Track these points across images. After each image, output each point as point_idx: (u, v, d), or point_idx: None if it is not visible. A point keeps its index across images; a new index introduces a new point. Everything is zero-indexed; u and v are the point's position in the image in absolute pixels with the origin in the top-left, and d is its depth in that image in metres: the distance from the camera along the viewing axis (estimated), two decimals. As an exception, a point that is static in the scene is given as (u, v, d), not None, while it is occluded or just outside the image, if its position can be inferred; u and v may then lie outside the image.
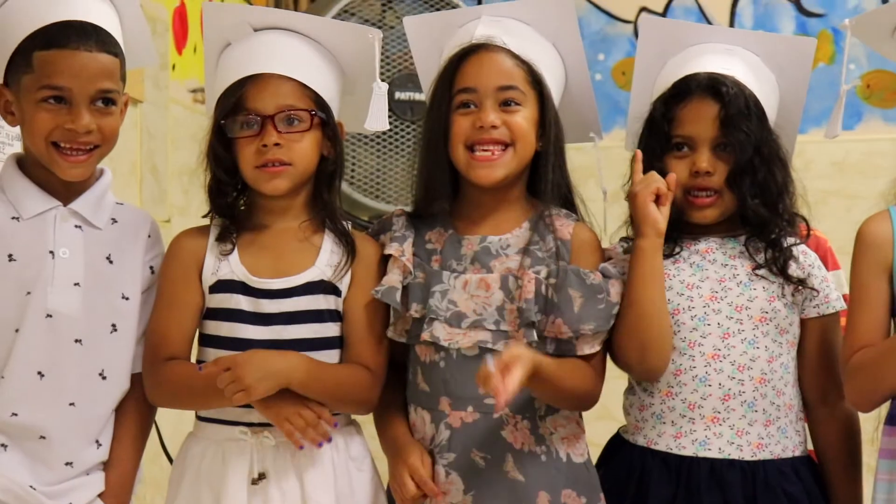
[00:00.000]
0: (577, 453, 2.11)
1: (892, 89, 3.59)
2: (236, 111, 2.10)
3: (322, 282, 2.11)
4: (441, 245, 2.14)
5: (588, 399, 2.11)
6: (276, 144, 2.08)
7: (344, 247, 2.14)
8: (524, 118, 2.10)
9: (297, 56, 2.14)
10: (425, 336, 2.08)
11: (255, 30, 2.17)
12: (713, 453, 2.10)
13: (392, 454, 2.11)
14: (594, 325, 2.08)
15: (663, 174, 2.13)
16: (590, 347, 2.09)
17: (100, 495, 2.09)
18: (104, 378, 2.08)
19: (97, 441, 2.09)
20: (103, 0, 2.09)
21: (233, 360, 2.00)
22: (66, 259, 2.05)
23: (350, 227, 2.18)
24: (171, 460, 2.23)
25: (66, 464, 2.04)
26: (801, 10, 3.81)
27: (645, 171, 2.14)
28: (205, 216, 2.19)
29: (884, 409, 2.09)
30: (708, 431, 2.11)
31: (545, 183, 2.13)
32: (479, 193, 2.14)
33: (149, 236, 2.17)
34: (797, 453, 2.14)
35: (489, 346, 2.06)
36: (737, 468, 2.09)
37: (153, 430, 2.22)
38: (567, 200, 2.18)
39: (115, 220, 2.14)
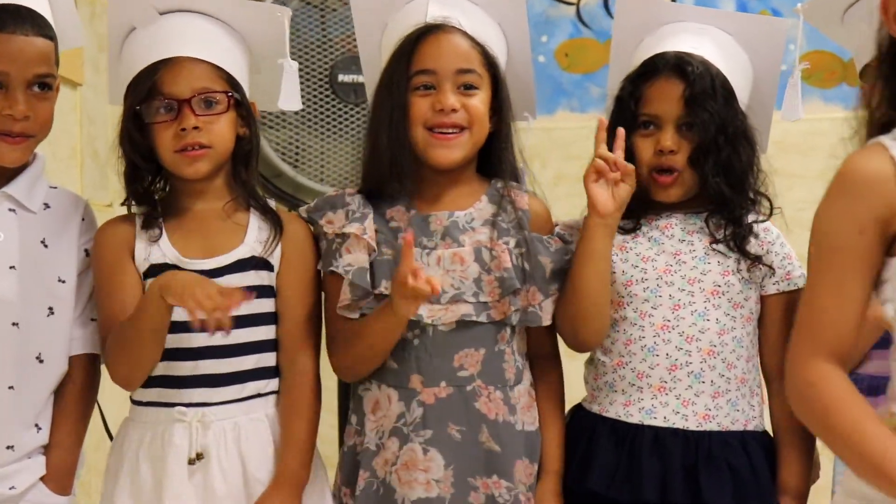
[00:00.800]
0: (530, 421, 2.16)
1: (830, 69, 3.63)
2: (151, 96, 2.10)
3: (253, 258, 2.12)
4: (405, 223, 2.15)
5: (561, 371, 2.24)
6: (195, 128, 2.08)
7: (270, 223, 2.15)
8: (481, 101, 2.13)
9: (207, 38, 2.14)
10: None
11: (161, 13, 2.16)
12: (658, 422, 2.13)
13: (383, 311, 2.07)
14: (559, 283, 2.14)
15: (630, 153, 2.15)
16: (548, 318, 2.15)
17: (42, 479, 2.08)
18: (41, 361, 2.07)
19: (36, 425, 2.08)
20: None
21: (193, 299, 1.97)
22: (1, 242, 2.04)
23: (275, 204, 2.20)
24: (110, 436, 2.22)
25: (8, 447, 2.04)
26: (741, -10, 3.85)
27: (611, 149, 2.15)
28: (123, 203, 2.18)
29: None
30: (654, 400, 2.14)
31: (500, 162, 2.17)
32: (434, 174, 2.16)
33: (83, 219, 2.17)
34: (749, 427, 2.17)
35: (473, 318, 2.10)
36: (679, 437, 2.12)
37: (97, 415, 2.21)
38: (515, 177, 2.21)
39: (47, 205, 2.13)
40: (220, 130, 2.11)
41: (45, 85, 2.05)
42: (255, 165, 2.19)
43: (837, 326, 1.47)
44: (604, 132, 2.13)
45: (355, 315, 2.13)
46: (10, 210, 2.07)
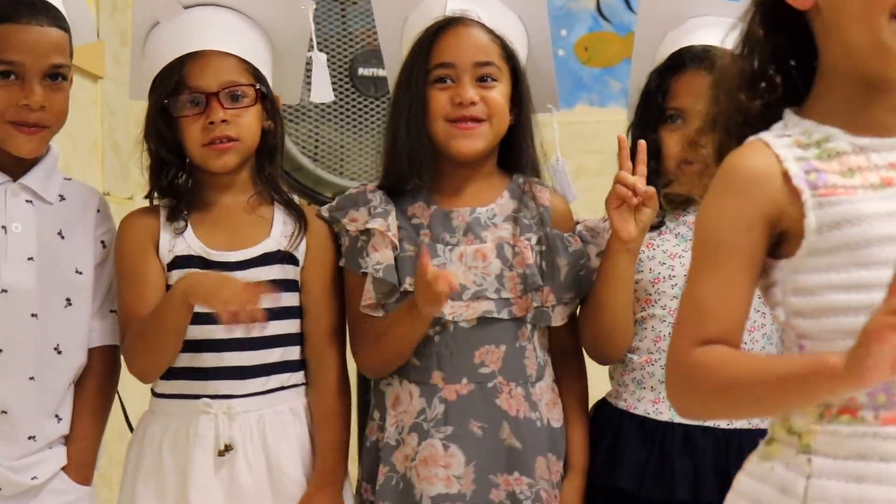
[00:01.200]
0: (555, 418, 2.15)
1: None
2: (179, 90, 2.10)
3: (279, 252, 2.12)
4: (427, 220, 2.14)
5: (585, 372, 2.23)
6: (223, 121, 2.08)
7: (295, 217, 2.15)
8: (500, 94, 2.12)
9: (232, 31, 2.14)
10: None
11: (185, 7, 2.16)
12: (688, 419, 2.11)
13: (408, 309, 2.06)
14: (573, 293, 2.13)
15: (657, 147, 2.15)
16: (561, 319, 2.13)
17: (63, 469, 2.09)
18: (60, 353, 2.08)
19: (57, 415, 2.09)
20: None
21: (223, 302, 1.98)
22: (19, 234, 2.05)
23: (297, 199, 2.20)
24: (130, 427, 2.23)
25: (29, 438, 2.04)
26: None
27: (637, 143, 2.14)
28: (146, 197, 2.18)
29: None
30: None
31: (521, 155, 2.16)
32: (455, 168, 2.15)
33: (98, 211, 2.17)
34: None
35: (494, 315, 2.09)
36: (710, 435, 2.11)
37: (119, 407, 2.22)
38: (536, 171, 2.20)
39: (63, 197, 2.13)
40: (248, 123, 2.11)
41: (59, 75, 2.06)
42: (279, 160, 2.19)
43: (721, 322, 1.44)
44: (626, 150, 2.10)
45: (379, 314, 2.13)
46: (27, 201, 2.08)
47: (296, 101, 2.26)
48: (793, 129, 1.47)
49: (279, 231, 2.14)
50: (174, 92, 2.10)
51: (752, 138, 1.47)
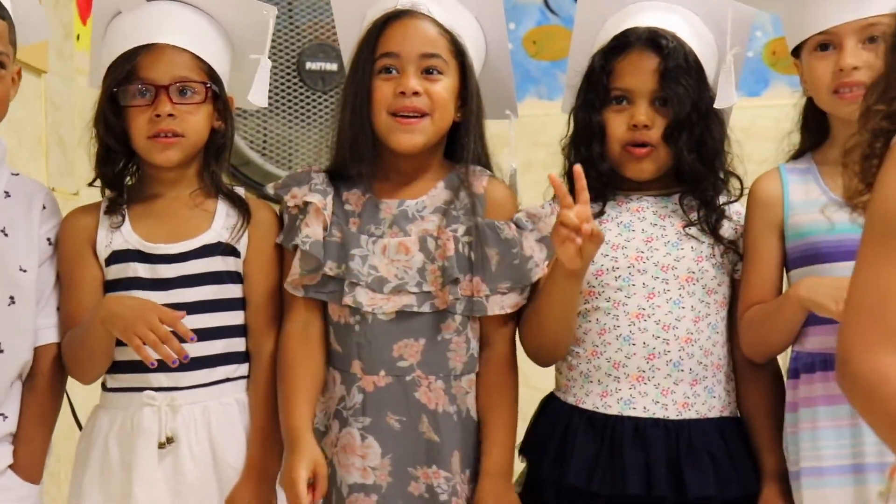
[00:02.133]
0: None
1: (797, 56, 3.65)
2: (129, 80, 2.09)
3: (219, 244, 2.12)
4: (359, 208, 2.14)
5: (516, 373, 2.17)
6: (170, 115, 2.08)
7: (238, 210, 2.15)
8: (445, 87, 2.10)
9: (191, 27, 2.14)
10: (347, 301, 2.09)
11: (148, 0, 2.15)
12: (638, 412, 2.11)
13: (289, 442, 2.08)
14: (509, 282, 2.10)
15: (601, 129, 2.14)
16: (500, 308, 2.11)
17: (10, 467, 2.07)
18: (1, 351, 2.05)
19: (2, 413, 2.06)
20: None
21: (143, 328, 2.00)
22: None
23: (244, 192, 2.20)
24: (79, 425, 2.22)
25: None
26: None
27: (583, 126, 2.14)
28: (90, 184, 2.18)
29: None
30: (633, 390, 2.12)
31: (465, 152, 2.14)
32: (396, 159, 2.14)
33: (44, 207, 2.15)
34: (725, 413, 2.16)
35: (414, 309, 2.08)
36: (661, 427, 2.10)
37: (66, 405, 2.20)
38: (486, 166, 2.19)
39: (7, 194, 2.11)
40: (195, 121, 2.10)
41: None
42: (226, 159, 2.19)
43: None
44: (561, 189, 2.03)
45: (300, 293, 2.11)
46: (-31, 199, 2.06)
47: (246, 105, 2.25)
48: None
49: (221, 223, 2.14)
50: (125, 81, 2.09)
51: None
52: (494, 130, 2.25)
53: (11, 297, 2.07)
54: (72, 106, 3.23)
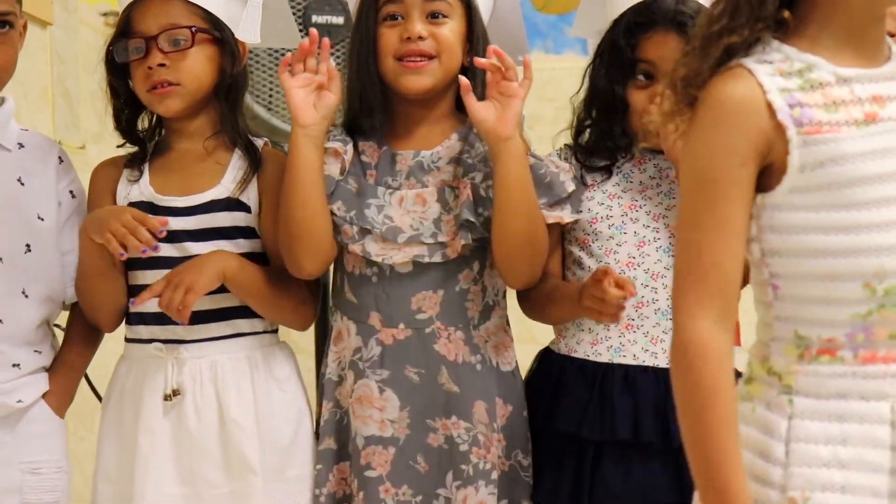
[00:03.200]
0: (505, 362, 2.15)
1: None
2: (124, 35, 2.09)
3: (228, 199, 2.11)
4: (375, 160, 2.14)
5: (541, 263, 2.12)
6: (161, 65, 2.07)
7: (249, 160, 2.13)
8: (451, 31, 2.10)
9: None
10: (356, 249, 2.09)
11: None
12: (627, 360, 2.13)
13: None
14: (546, 198, 2.09)
15: (624, 103, 2.13)
16: (555, 219, 2.11)
17: (43, 396, 2.13)
18: (27, 297, 2.08)
19: (36, 350, 2.11)
20: None
21: (164, 278, 2.02)
22: None
23: (263, 143, 2.18)
24: (94, 390, 2.25)
25: (14, 365, 2.07)
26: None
27: (604, 98, 2.13)
28: (119, 146, 2.19)
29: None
30: (623, 338, 2.14)
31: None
32: (408, 107, 2.14)
33: (60, 160, 2.17)
34: None
35: (425, 259, 2.08)
36: (650, 374, 2.12)
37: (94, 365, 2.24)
38: None
39: (21, 145, 2.12)
40: (189, 67, 2.09)
41: (4, 23, 2.02)
42: (239, 103, 2.17)
43: (724, 267, 1.40)
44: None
45: None
46: (-16, 149, 2.06)
47: (292, 44, 2.22)
48: (773, 55, 1.44)
49: (230, 178, 2.13)
50: (121, 37, 2.09)
51: (733, 63, 1.43)
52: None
53: (28, 245, 2.09)
54: (76, 59, 3.22)
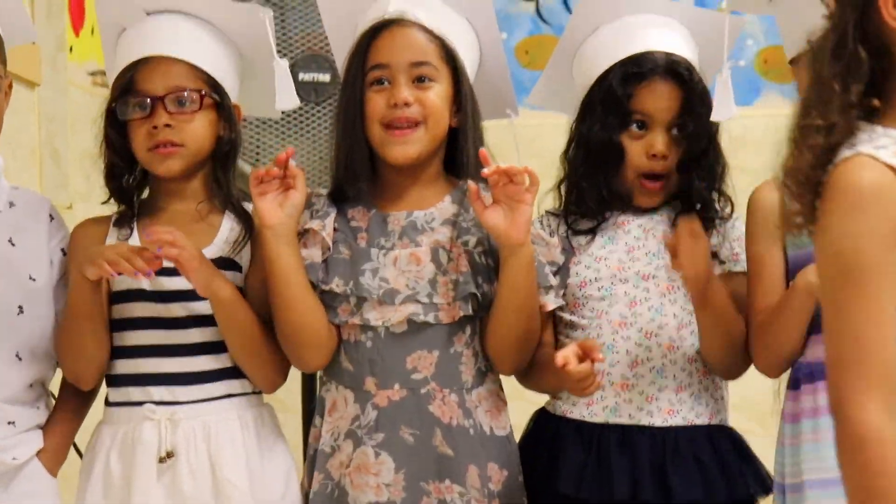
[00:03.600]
0: (500, 426, 2.13)
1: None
2: (127, 94, 2.10)
3: (221, 258, 2.11)
4: (366, 223, 2.13)
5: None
6: (167, 125, 2.08)
7: (243, 224, 2.14)
8: (437, 95, 2.10)
9: (188, 37, 2.14)
10: (355, 321, 2.09)
11: (149, 13, 2.15)
12: (623, 419, 2.13)
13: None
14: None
15: (618, 151, 2.14)
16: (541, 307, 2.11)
17: (38, 453, 2.12)
18: (20, 359, 2.08)
19: (31, 407, 2.11)
20: None
21: (173, 232, 2.02)
22: None
23: (251, 207, 2.17)
24: (79, 453, 2.23)
25: (9, 423, 2.07)
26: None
27: (599, 148, 2.14)
28: (105, 202, 2.19)
29: (781, 381, 2.13)
30: (618, 398, 2.14)
31: (465, 158, 2.12)
32: (395, 172, 2.14)
33: (51, 218, 2.17)
34: (714, 421, 2.16)
35: (420, 318, 2.07)
36: (646, 434, 2.12)
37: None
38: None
39: (12, 204, 2.12)
40: (193, 129, 2.10)
41: None
42: (232, 168, 2.18)
43: (883, 354, 1.38)
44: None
45: None
46: (-25, 209, 2.06)
47: (268, 115, 2.24)
48: (882, 140, 1.43)
49: (223, 238, 2.14)
50: (123, 95, 2.10)
51: (848, 154, 1.42)
52: (491, 141, 2.24)
53: (20, 307, 2.08)
54: (65, 118, 3.23)
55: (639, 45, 2.18)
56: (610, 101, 2.16)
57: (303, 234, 2.12)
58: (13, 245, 2.09)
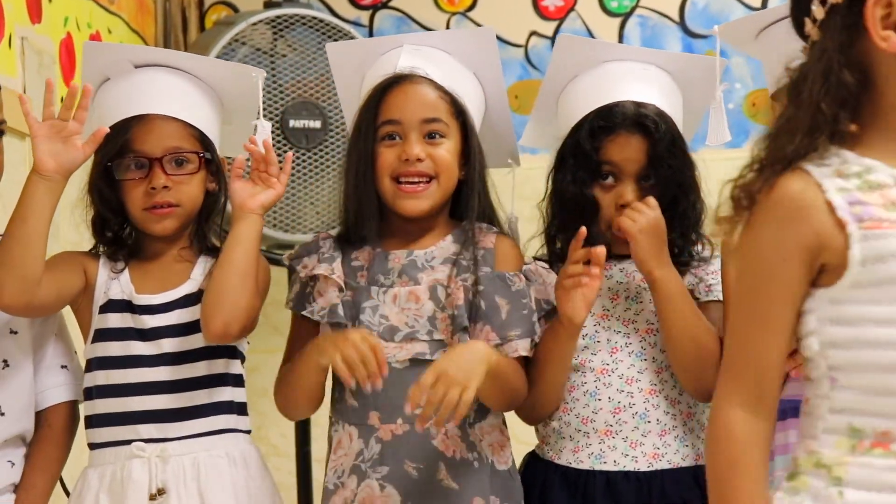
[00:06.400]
0: (502, 461, 2.15)
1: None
2: (123, 153, 2.10)
3: (200, 291, 2.13)
4: (368, 262, 2.16)
5: (519, 398, 2.15)
6: (165, 187, 2.08)
7: (214, 257, 2.15)
8: (448, 150, 2.13)
9: (180, 95, 2.16)
10: None
11: (136, 67, 2.16)
12: (608, 466, 2.13)
13: (322, 343, 2.07)
14: (519, 331, 2.11)
15: (592, 204, 2.15)
16: (513, 352, 2.12)
17: None
18: (3, 414, 2.07)
19: (9, 461, 2.09)
20: None
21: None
22: None
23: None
24: (66, 491, 2.23)
25: None
26: (687, 31, 3.90)
27: (573, 201, 2.16)
28: (91, 250, 2.20)
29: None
30: (602, 445, 2.14)
31: (470, 210, 2.16)
32: (403, 221, 2.17)
33: None
34: (700, 462, 2.16)
35: (427, 357, 2.09)
36: (631, 480, 2.12)
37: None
38: (490, 223, 2.21)
39: None
40: (190, 190, 2.13)
41: None
42: (215, 218, 2.20)
43: (763, 359, 1.47)
44: (580, 242, 2.08)
45: None
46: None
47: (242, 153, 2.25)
48: (831, 160, 1.47)
49: (199, 272, 2.16)
50: (118, 154, 2.10)
51: (794, 166, 1.47)
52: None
53: (5, 361, 2.08)
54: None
55: (610, 95, 2.19)
56: (580, 155, 2.17)
57: (314, 280, 2.13)
58: None
